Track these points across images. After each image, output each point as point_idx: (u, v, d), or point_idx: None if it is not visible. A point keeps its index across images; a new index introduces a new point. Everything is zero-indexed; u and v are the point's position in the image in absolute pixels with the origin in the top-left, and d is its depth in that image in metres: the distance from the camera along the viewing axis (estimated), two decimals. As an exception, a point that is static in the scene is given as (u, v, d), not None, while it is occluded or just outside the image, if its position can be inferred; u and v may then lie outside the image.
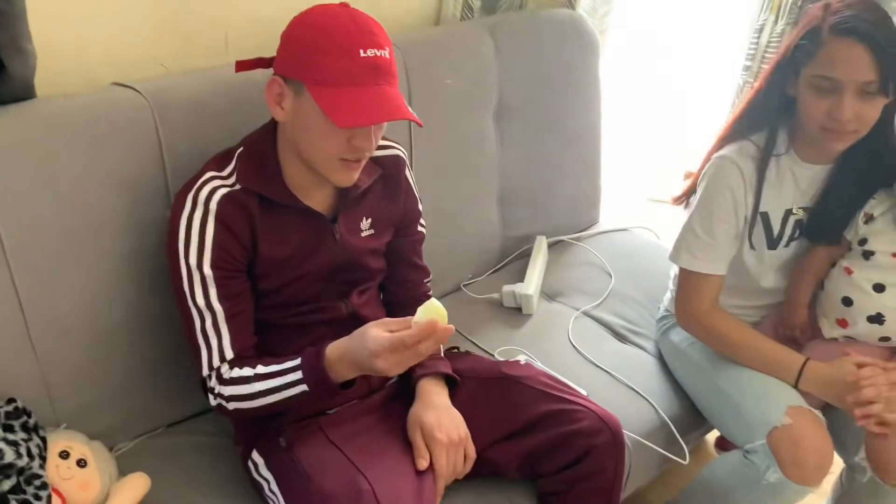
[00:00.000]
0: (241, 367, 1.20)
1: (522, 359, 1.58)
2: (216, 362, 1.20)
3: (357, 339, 1.13)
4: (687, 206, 1.55)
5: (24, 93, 1.22)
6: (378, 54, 1.11)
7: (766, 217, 1.47)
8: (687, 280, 1.52)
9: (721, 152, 1.45)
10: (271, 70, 1.18)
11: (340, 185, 1.21)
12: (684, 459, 1.50)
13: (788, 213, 1.47)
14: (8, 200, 1.17)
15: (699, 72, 2.99)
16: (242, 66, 1.21)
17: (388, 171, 1.33)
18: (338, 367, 1.15)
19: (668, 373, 1.64)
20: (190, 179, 1.20)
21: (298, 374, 1.16)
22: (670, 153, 2.99)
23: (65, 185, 1.22)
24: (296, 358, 1.17)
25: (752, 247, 1.48)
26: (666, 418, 1.53)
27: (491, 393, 1.34)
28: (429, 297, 1.46)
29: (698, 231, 1.48)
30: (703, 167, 1.50)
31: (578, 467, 1.27)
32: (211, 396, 1.22)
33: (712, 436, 1.99)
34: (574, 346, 1.67)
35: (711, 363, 1.53)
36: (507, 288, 1.78)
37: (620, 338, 1.75)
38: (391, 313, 1.43)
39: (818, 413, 1.40)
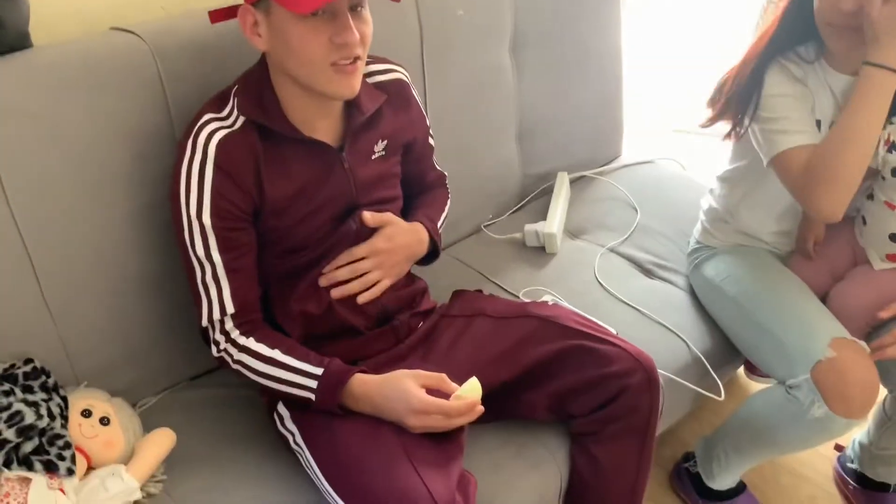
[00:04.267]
0: (258, 340, 1.18)
1: (549, 299, 1.54)
2: (216, 314, 1.17)
3: (392, 388, 1.13)
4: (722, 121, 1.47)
5: (19, 42, 1.17)
6: None
7: (819, 124, 1.38)
8: (795, 161, 1.33)
9: (769, 68, 1.36)
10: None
11: (343, 96, 1.14)
12: (720, 396, 1.46)
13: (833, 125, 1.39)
14: (11, 155, 1.13)
15: (721, -6, 2.88)
16: (217, 16, 1.16)
17: (393, 95, 1.29)
18: (357, 400, 1.15)
19: (699, 307, 1.59)
20: (189, 124, 1.15)
21: (312, 384, 1.15)
22: (693, 81, 2.90)
23: (68, 138, 1.18)
24: (319, 366, 1.16)
25: None
26: (699, 354, 1.49)
27: (513, 329, 1.30)
28: (445, 189, 1.48)
29: (769, 118, 1.36)
30: (733, 75, 1.42)
31: (611, 407, 1.24)
32: (213, 348, 1.20)
33: (743, 368, 1.95)
34: (601, 283, 1.62)
35: (748, 297, 1.48)
36: (529, 227, 1.73)
37: (648, 273, 1.70)
38: (409, 206, 1.40)
39: (863, 344, 1.35)
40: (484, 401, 1.15)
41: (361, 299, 1.26)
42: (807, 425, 1.35)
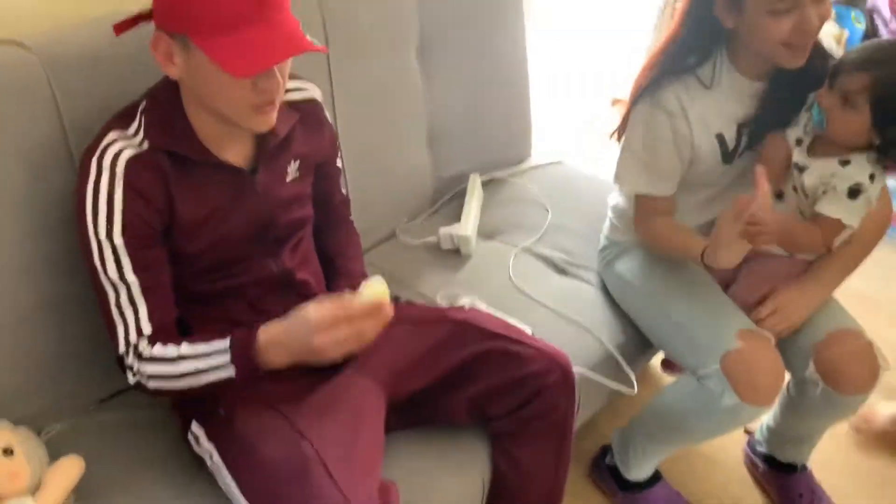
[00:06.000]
0: (164, 345, 1.13)
1: (466, 301, 1.54)
2: (133, 338, 1.12)
3: (293, 317, 1.08)
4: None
5: None
6: None
7: (721, 137, 1.44)
8: (642, 202, 1.51)
9: (654, 96, 1.41)
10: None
11: (259, 130, 1.13)
12: (632, 389, 1.50)
13: (741, 126, 1.44)
14: None
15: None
16: (121, 27, 1.11)
17: (305, 115, 1.26)
18: (270, 351, 1.09)
19: (611, 303, 1.63)
20: (92, 142, 1.11)
21: (226, 358, 1.10)
22: (597, 81, 2.97)
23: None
24: (224, 339, 1.11)
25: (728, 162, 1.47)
26: (612, 349, 1.53)
27: (430, 334, 1.30)
28: (351, 223, 1.45)
29: (639, 151, 1.45)
30: (632, 98, 1.47)
31: (529, 407, 1.26)
32: (129, 374, 1.15)
33: (657, 360, 2.01)
34: (515, 284, 1.64)
35: (660, 292, 1.53)
36: (443, 230, 1.74)
37: (562, 272, 1.73)
38: (317, 240, 1.37)
39: (767, 333, 1.41)
40: (403, 407, 1.14)
41: None
42: (718, 414, 1.40)
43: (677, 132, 1.42)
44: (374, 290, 1.06)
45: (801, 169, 1.40)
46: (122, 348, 1.13)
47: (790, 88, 1.41)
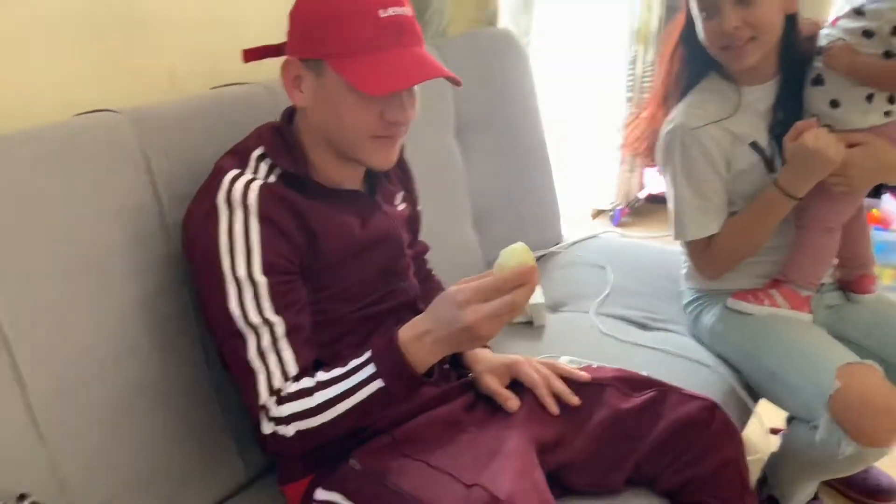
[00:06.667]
0: (298, 381, 1.00)
1: (565, 359, 1.45)
2: (277, 383, 0.99)
3: (435, 305, 0.97)
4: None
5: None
6: (400, 13, 1.02)
7: (756, 146, 1.42)
8: (698, 244, 1.46)
9: (675, 122, 1.42)
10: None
11: (379, 167, 1.10)
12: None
13: (771, 128, 1.42)
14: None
15: (589, 102, 3.09)
16: (250, 54, 1.09)
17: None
18: (416, 349, 0.97)
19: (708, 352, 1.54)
20: (206, 187, 1.04)
21: (371, 369, 0.97)
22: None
23: (55, 219, 1.00)
24: (361, 356, 1.00)
25: (772, 170, 1.42)
26: (734, 382, 1.44)
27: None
28: (433, 276, 1.38)
29: (690, 199, 1.43)
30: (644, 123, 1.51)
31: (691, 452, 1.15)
32: (265, 424, 0.99)
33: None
34: (611, 335, 1.56)
35: (751, 341, 1.45)
36: (513, 302, 1.65)
37: (644, 327, 1.65)
38: None
39: (870, 362, 1.31)
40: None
41: None
42: (842, 463, 1.31)
43: (715, 163, 1.41)
44: (518, 256, 0.95)
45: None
46: (263, 397, 0.99)
47: (800, 71, 1.40)
